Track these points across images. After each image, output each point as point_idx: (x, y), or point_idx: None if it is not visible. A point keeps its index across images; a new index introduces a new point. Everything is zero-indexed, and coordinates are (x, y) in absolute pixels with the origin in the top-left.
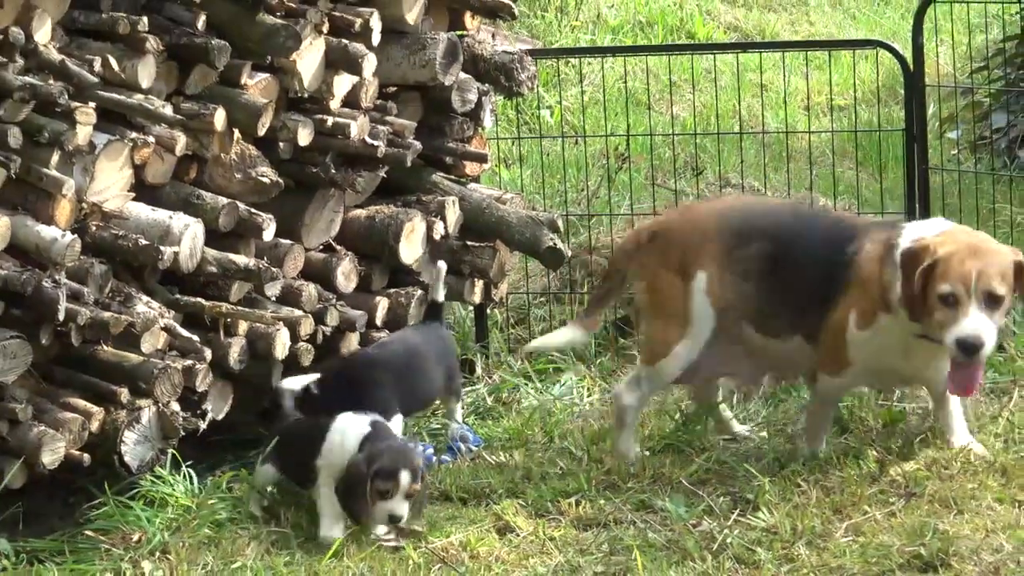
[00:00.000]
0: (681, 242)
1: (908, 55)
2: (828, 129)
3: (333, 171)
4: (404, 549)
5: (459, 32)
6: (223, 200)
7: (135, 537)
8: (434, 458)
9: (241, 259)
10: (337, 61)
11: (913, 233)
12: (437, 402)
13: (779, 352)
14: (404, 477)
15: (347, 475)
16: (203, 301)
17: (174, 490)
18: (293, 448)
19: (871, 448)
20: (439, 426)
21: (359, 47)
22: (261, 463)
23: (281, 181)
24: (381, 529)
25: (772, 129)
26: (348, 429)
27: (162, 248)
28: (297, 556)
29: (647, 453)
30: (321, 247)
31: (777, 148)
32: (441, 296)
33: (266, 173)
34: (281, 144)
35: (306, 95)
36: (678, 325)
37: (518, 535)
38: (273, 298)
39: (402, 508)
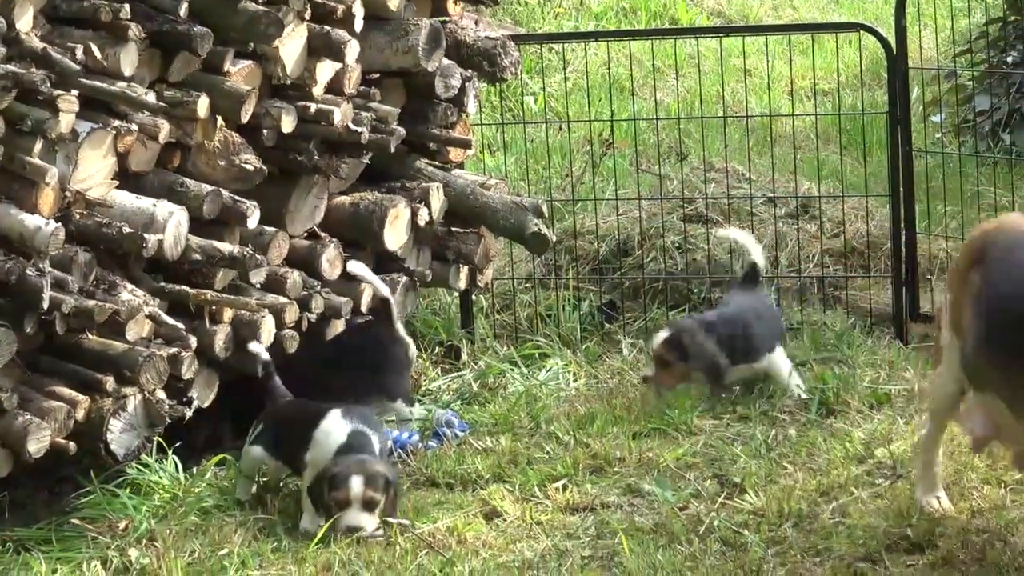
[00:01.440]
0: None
1: (891, 38)
2: (812, 113)
3: (317, 158)
4: (391, 540)
5: (441, 18)
6: (207, 188)
7: (122, 525)
8: (420, 444)
9: (225, 246)
10: (320, 48)
11: None
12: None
13: None
14: (356, 486)
15: (314, 483)
16: (188, 289)
17: (160, 478)
18: (286, 433)
19: (857, 430)
20: (426, 411)
21: (342, 33)
22: (251, 443)
23: (265, 168)
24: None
25: (756, 113)
26: (331, 433)
27: (146, 236)
28: (284, 543)
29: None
30: (305, 234)
31: (761, 133)
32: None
33: (250, 160)
34: (264, 131)
35: (289, 82)
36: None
37: (505, 520)
38: (258, 285)
39: (358, 519)
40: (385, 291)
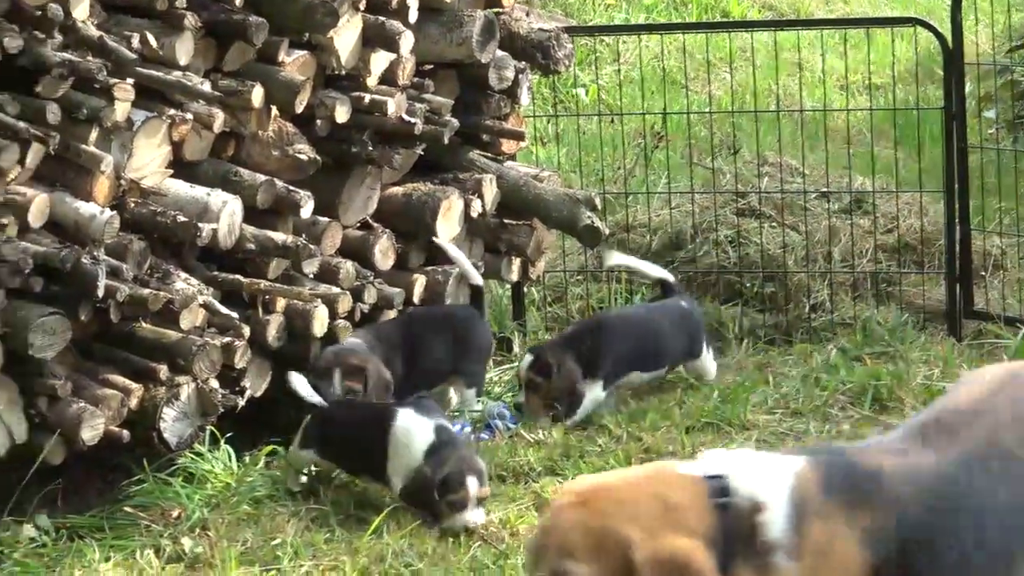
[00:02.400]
0: None
1: (947, 33)
2: (866, 107)
3: (370, 148)
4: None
5: (495, 10)
6: (261, 177)
7: (174, 513)
8: (472, 436)
9: (279, 236)
10: (374, 38)
11: None
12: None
13: None
14: (472, 486)
15: (415, 485)
16: (241, 278)
17: (213, 467)
18: (342, 436)
19: None
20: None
21: (396, 24)
22: (300, 447)
23: (319, 158)
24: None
25: (809, 107)
26: (415, 433)
27: (200, 225)
28: (337, 533)
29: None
30: (358, 224)
31: (813, 127)
32: None
33: (304, 150)
34: (319, 121)
35: (343, 72)
36: None
37: None
38: (311, 275)
39: (478, 516)
40: (477, 278)
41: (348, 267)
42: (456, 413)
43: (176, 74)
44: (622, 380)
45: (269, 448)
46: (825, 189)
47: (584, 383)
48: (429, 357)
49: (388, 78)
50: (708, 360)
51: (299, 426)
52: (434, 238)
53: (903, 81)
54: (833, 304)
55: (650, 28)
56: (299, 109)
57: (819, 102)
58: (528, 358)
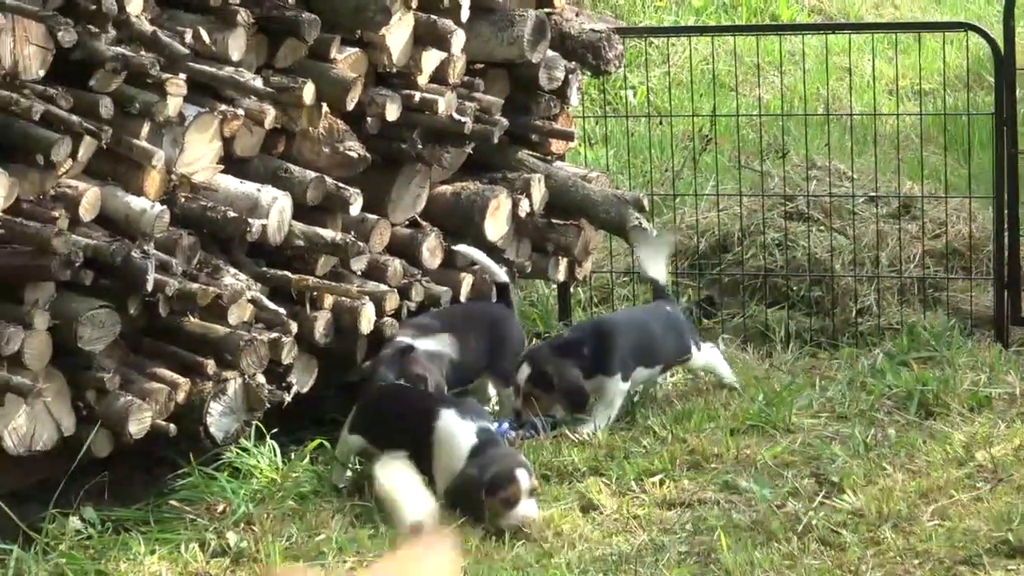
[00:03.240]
0: None
1: (999, 39)
2: (916, 112)
3: (420, 147)
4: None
5: (546, 10)
6: (311, 174)
7: (220, 508)
8: (511, 434)
9: (328, 233)
10: (426, 37)
11: None
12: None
13: None
14: (524, 480)
15: (460, 488)
16: (289, 274)
17: (259, 462)
18: (388, 425)
19: (957, 432)
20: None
21: (448, 23)
22: (349, 432)
23: (368, 156)
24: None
25: (859, 112)
26: (457, 436)
27: (250, 220)
28: (381, 529)
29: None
30: (407, 223)
31: (862, 131)
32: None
33: (354, 147)
34: (369, 119)
35: (394, 70)
36: None
37: (602, 513)
38: (359, 273)
39: (531, 508)
40: (502, 276)
41: (396, 265)
42: (497, 411)
43: (228, 70)
44: (632, 373)
45: (315, 444)
46: (873, 193)
47: (599, 380)
48: (465, 353)
49: (439, 76)
50: (709, 353)
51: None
52: (453, 247)
53: (953, 86)
54: (880, 309)
55: (701, 30)
56: (350, 106)
57: (868, 107)
58: (525, 370)
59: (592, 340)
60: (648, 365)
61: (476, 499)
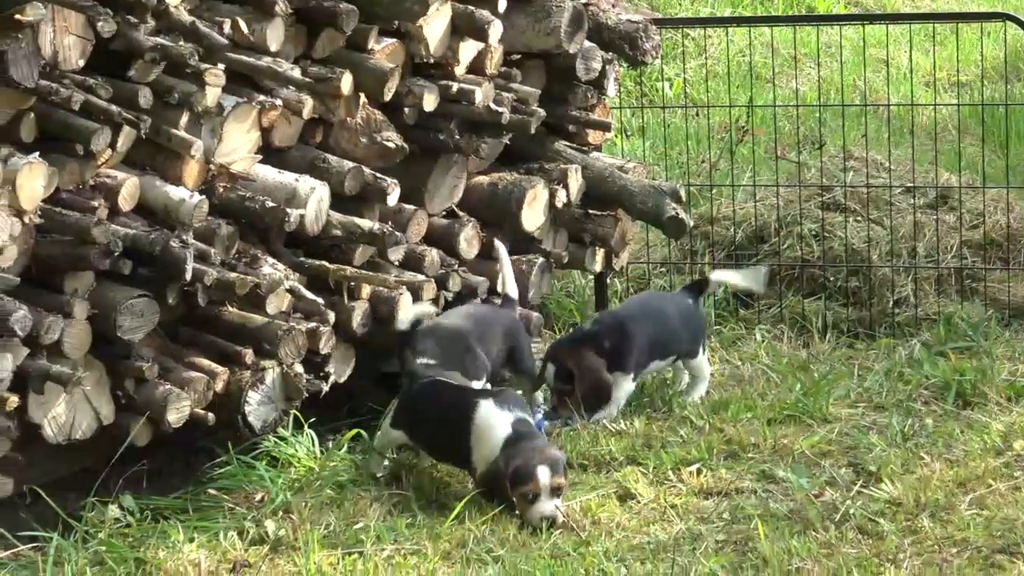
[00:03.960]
0: None
1: None
2: (954, 103)
3: (457, 137)
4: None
5: (583, 0)
6: (348, 164)
7: (258, 497)
8: (545, 423)
9: (366, 223)
10: (463, 27)
11: None
12: None
13: None
14: (543, 477)
15: (489, 478)
16: (327, 264)
17: (297, 451)
18: (429, 420)
19: (995, 422)
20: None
21: (485, 14)
22: (392, 426)
23: (406, 146)
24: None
25: (896, 102)
26: (494, 427)
27: (288, 210)
28: (419, 518)
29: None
30: (444, 213)
31: (898, 123)
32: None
33: (391, 138)
34: (406, 109)
35: (432, 61)
36: None
37: (639, 502)
38: (396, 263)
39: (550, 507)
40: (514, 291)
41: (433, 255)
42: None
43: (267, 60)
44: (645, 371)
45: (352, 433)
46: (911, 184)
47: (615, 376)
48: (487, 352)
49: (476, 67)
50: (703, 361)
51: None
52: (495, 240)
53: (990, 77)
54: (917, 299)
55: (737, 21)
56: (387, 97)
57: (905, 98)
58: (551, 368)
59: (612, 336)
60: (662, 358)
61: (503, 490)
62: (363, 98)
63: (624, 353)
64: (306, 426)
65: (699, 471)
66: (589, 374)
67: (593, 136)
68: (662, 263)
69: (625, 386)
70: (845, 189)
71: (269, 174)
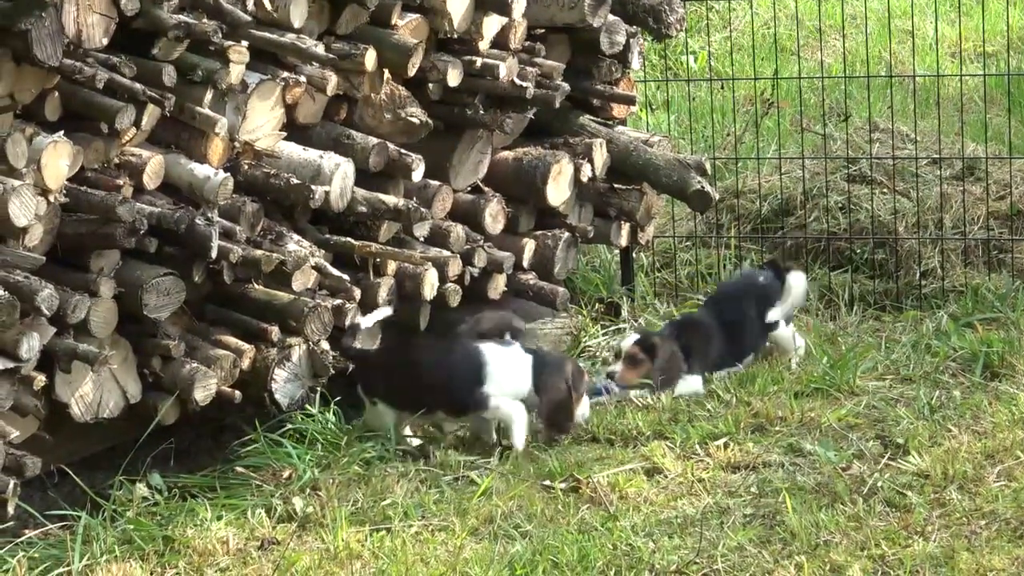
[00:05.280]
0: None
1: None
2: (979, 73)
3: (482, 112)
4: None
5: None
6: (373, 140)
7: (285, 474)
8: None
9: (390, 199)
10: (487, 2)
11: None
12: None
13: None
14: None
15: (554, 398)
16: (352, 241)
17: (324, 428)
18: (417, 379)
19: (1023, 393)
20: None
21: None
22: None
23: (430, 122)
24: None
25: (922, 73)
26: (516, 359)
27: (313, 187)
28: (446, 494)
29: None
30: (469, 188)
31: (924, 94)
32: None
33: (416, 114)
34: (430, 85)
35: (455, 36)
36: None
37: (666, 476)
38: (421, 239)
39: (586, 408)
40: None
41: (458, 231)
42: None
43: (290, 37)
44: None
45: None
46: (937, 155)
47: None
48: None
49: (500, 42)
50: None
51: None
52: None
53: (1017, 48)
54: (944, 271)
55: None
56: (411, 73)
57: (931, 69)
58: (633, 336)
59: (688, 336)
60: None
61: (568, 407)
62: (387, 74)
63: (694, 357)
64: (332, 403)
65: (726, 445)
66: (668, 359)
67: (618, 110)
68: (688, 237)
69: (692, 383)
70: (871, 161)
71: (294, 151)
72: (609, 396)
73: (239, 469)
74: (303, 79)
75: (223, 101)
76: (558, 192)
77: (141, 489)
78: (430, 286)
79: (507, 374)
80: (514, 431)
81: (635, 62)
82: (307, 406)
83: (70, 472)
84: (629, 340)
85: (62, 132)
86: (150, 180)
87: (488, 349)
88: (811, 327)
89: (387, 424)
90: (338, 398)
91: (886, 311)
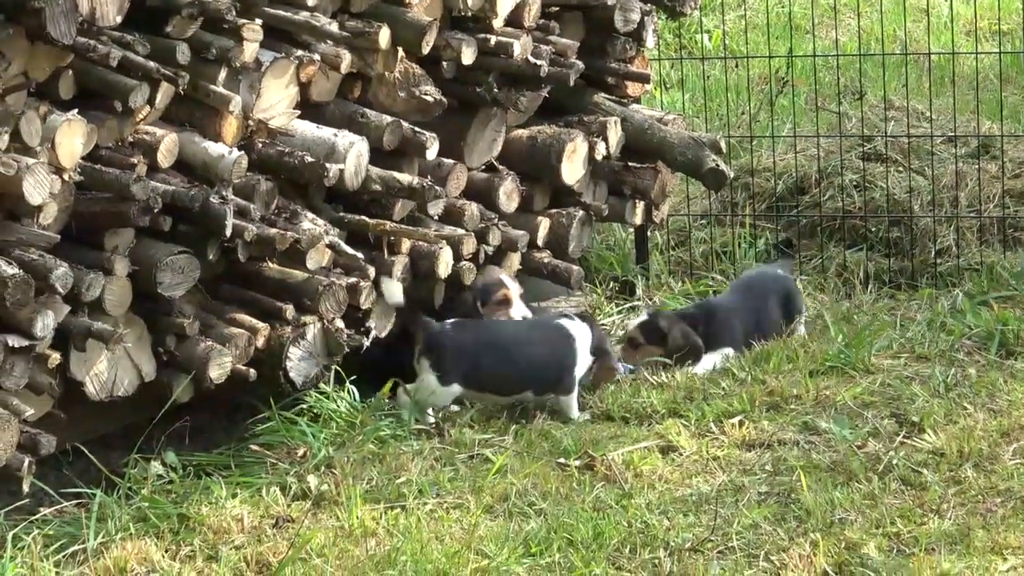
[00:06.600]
0: None
1: None
2: (995, 51)
3: (496, 90)
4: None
5: None
6: (387, 118)
7: (300, 452)
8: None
9: (405, 177)
10: None
11: None
12: None
13: None
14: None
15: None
16: (367, 219)
17: (338, 406)
18: (486, 359)
19: None
20: None
21: None
22: (444, 384)
23: (444, 100)
24: None
25: (937, 52)
26: (582, 332)
27: (327, 165)
28: (461, 472)
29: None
30: (483, 167)
31: (939, 72)
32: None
33: (430, 92)
34: (444, 63)
35: (470, 14)
36: None
37: (681, 454)
38: (436, 217)
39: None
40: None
41: (473, 209)
42: None
43: (304, 15)
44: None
45: (391, 384)
46: (952, 134)
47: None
48: None
49: (514, 20)
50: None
51: None
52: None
53: None
54: (959, 249)
55: None
56: (425, 50)
57: (946, 47)
58: (639, 319)
59: (704, 321)
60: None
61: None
62: (401, 52)
63: (713, 341)
64: (347, 381)
65: (741, 423)
66: (680, 337)
67: (632, 88)
68: (702, 215)
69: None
70: (886, 139)
71: (308, 129)
72: (624, 373)
73: (254, 447)
74: (317, 57)
75: (237, 79)
76: (572, 170)
77: (156, 467)
78: (445, 264)
79: (585, 350)
80: (573, 404)
81: (649, 40)
82: (322, 384)
83: (85, 450)
84: (635, 322)
85: (76, 110)
86: (164, 158)
87: (572, 326)
88: (828, 304)
89: (443, 403)
90: (353, 377)
91: (901, 289)
